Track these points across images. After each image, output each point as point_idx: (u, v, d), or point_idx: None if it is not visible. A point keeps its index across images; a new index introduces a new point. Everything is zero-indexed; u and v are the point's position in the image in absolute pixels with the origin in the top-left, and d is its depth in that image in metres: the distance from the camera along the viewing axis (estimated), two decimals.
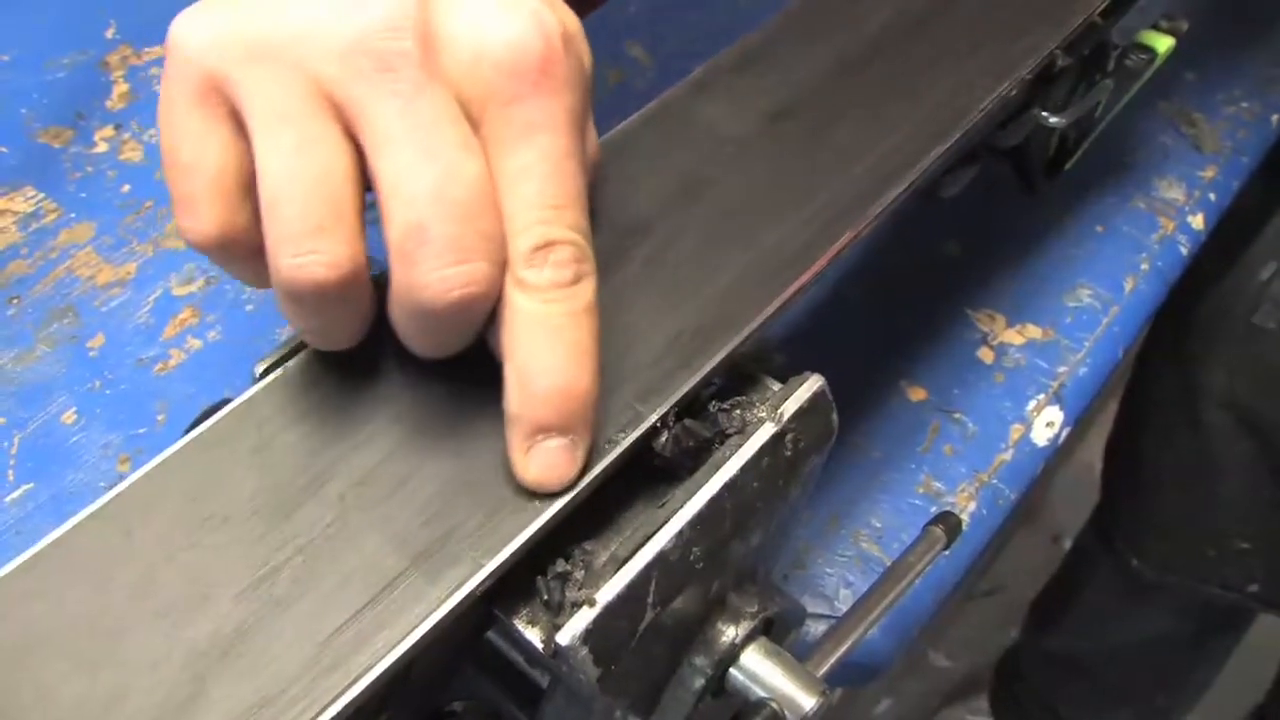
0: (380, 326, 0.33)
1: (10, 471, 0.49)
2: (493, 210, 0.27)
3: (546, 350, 0.28)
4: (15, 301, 0.55)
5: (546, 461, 0.28)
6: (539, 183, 0.28)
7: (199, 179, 0.28)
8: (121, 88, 0.64)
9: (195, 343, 0.54)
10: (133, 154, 0.61)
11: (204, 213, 0.28)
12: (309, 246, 0.26)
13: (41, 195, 0.59)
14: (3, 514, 0.48)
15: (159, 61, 0.66)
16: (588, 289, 0.29)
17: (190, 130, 0.28)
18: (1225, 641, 1.13)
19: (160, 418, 0.51)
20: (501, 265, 0.28)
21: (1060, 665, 1.22)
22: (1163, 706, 1.20)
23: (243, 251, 0.29)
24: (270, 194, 0.27)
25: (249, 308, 0.55)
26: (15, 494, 0.49)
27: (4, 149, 0.61)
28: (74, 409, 0.51)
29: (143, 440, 0.50)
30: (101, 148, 0.62)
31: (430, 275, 0.26)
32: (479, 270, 0.27)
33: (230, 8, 0.28)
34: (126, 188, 0.60)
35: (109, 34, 0.67)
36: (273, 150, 0.27)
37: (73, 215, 0.58)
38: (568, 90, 0.28)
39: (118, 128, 0.62)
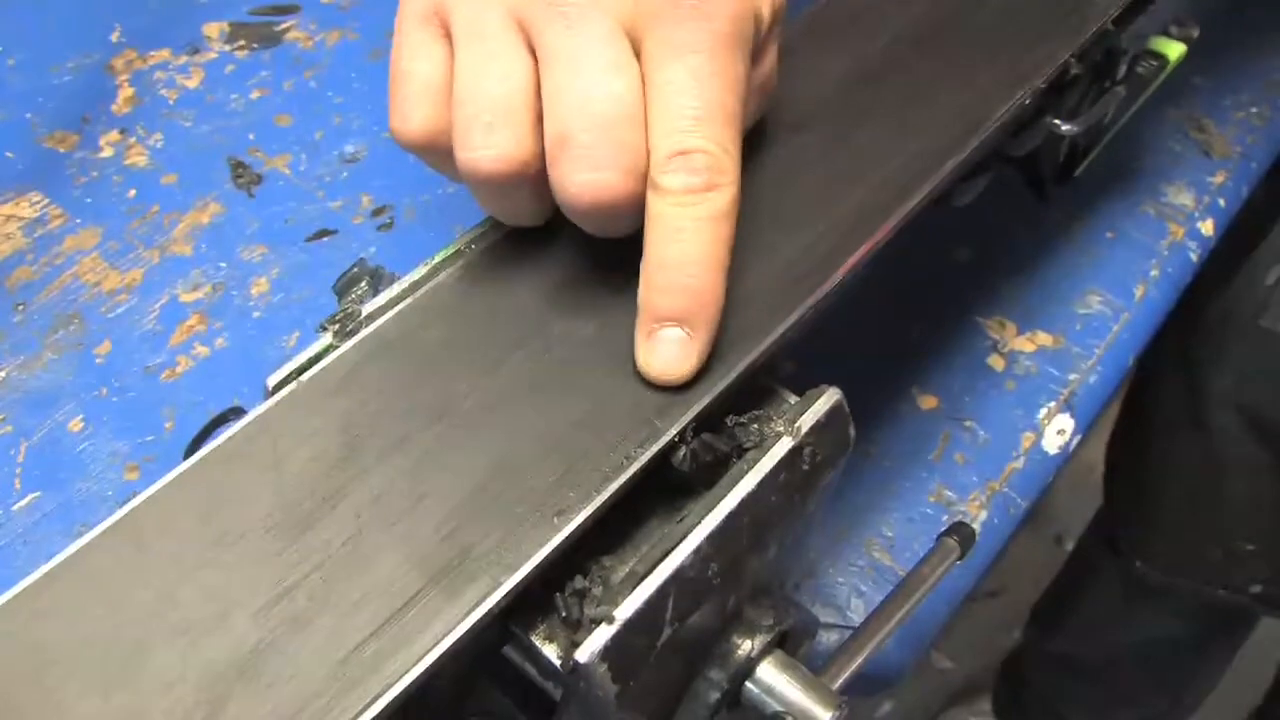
0: (388, 340, 0.33)
1: (17, 480, 0.49)
2: (635, 126, 0.30)
3: (673, 248, 0.30)
4: (21, 308, 0.55)
5: (665, 352, 0.31)
6: (683, 96, 0.30)
7: (413, 84, 0.32)
8: (127, 92, 0.64)
9: (203, 350, 0.54)
10: (138, 159, 0.61)
11: (413, 114, 0.32)
12: (480, 141, 0.31)
13: (47, 200, 0.59)
14: (10, 523, 0.48)
15: (164, 65, 0.65)
16: (722, 197, 0.31)
17: (411, 44, 0.33)
18: (1227, 644, 1.13)
19: (168, 425, 0.51)
20: (640, 176, 0.30)
21: (1063, 667, 1.22)
22: (1165, 709, 1.20)
23: (445, 151, 0.32)
24: (457, 95, 0.31)
25: (257, 314, 0.55)
26: (23, 502, 0.48)
27: (9, 154, 0.61)
28: (81, 417, 0.51)
29: (151, 448, 0.50)
30: (107, 152, 0.61)
31: (568, 178, 0.30)
32: (610, 178, 0.30)
33: None
34: (133, 193, 0.60)
35: (114, 38, 0.66)
36: (464, 60, 0.31)
37: (78, 221, 0.58)
38: (723, 17, 0.31)
39: (123, 132, 0.62)
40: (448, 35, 0.32)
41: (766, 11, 0.34)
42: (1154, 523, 0.95)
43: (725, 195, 0.31)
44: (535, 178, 0.31)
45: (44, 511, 0.48)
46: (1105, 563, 1.05)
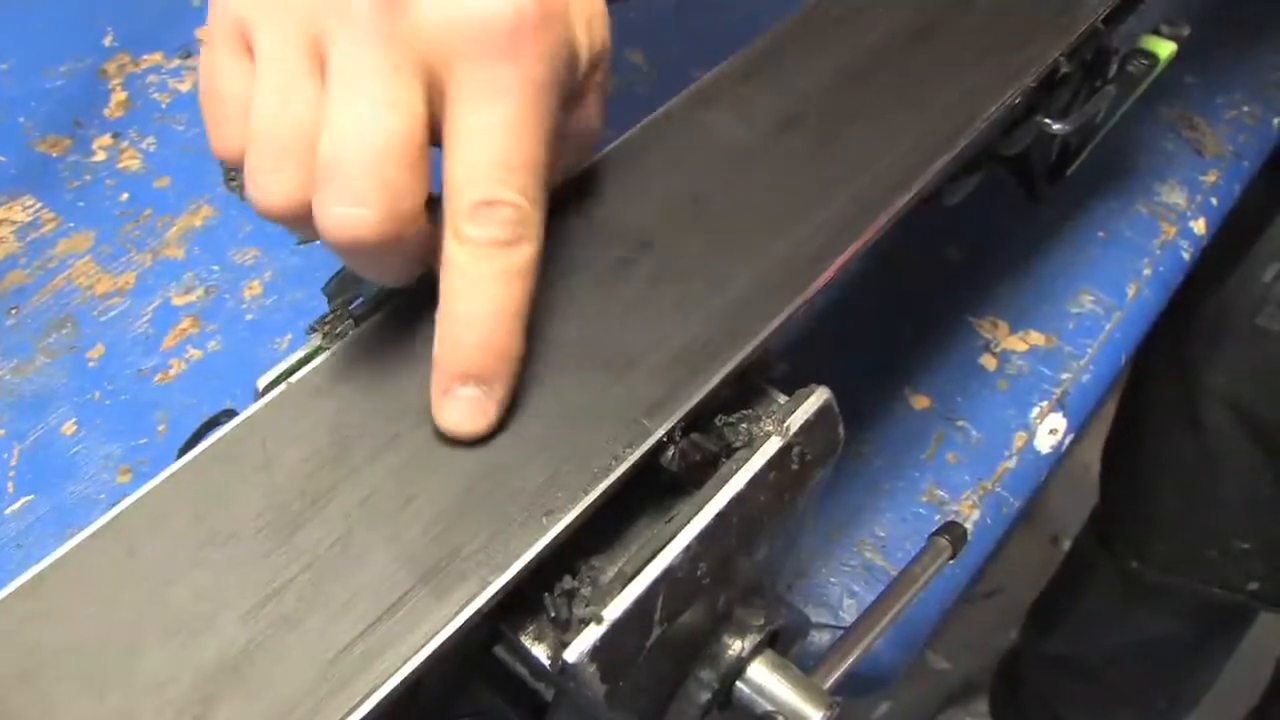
0: (378, 341, 0.33)
1: (10, 483, 0.49)
2: (405, 167, 0.28)
3: (472, 303, 0.29)
4: (14, 312, 0.55)
5: (460, 409, 0.30)
6: (489, 145, 0.29)
7: (224, 105, 0.31)
8: (119, 96, 0.64)
9: (195, 353, 0.54)
10: (131, 162, 0.61)
11: (230, 134, 0.31)
12: (261, 181, 0.30)
13: (40, 204, 0.59)
14: (3, 526, 0.48)
15: (157, 69, 0.66)
16: (525, 253, 0.30)
17: (219, 63, 0.31)
18: (1224, 643, 1.13)
19: (161, 428, 0.51)
20: (402, 220, 0.28)
21: (1060, 668, 1.22)
22: (1163, 708, 1.20)
23: None
24: (250, 131, 0.30)
25: (249, 317, 0.55)
26: (15, 506, 0.48)
27: (2, 158, 0.61)
28: (74, 420, 0.51)
29: (143, 451, 0.50)
30: (100, 156, 0.61)
31: (325, 209, 0.28)
32: (369, 216, 0.28)
33: None
34: (125, 196, 0.60)
35: (107, 42, 0.66)
36: (260, 93, 0.30)
37: (71, 225, 0.58)
38: (535, 60, 0.29)
39: (116, 136, 0.62)
40: (252, 54, 0.31)
41: (585, 54, 0.32)
42: (1149, 522, 0.95)
43: (529, 249, 0.30)
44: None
45: (37, 515, 0.48)
46: (1101, 562, 1.05)
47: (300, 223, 0.30)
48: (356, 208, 0.28)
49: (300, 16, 0.29)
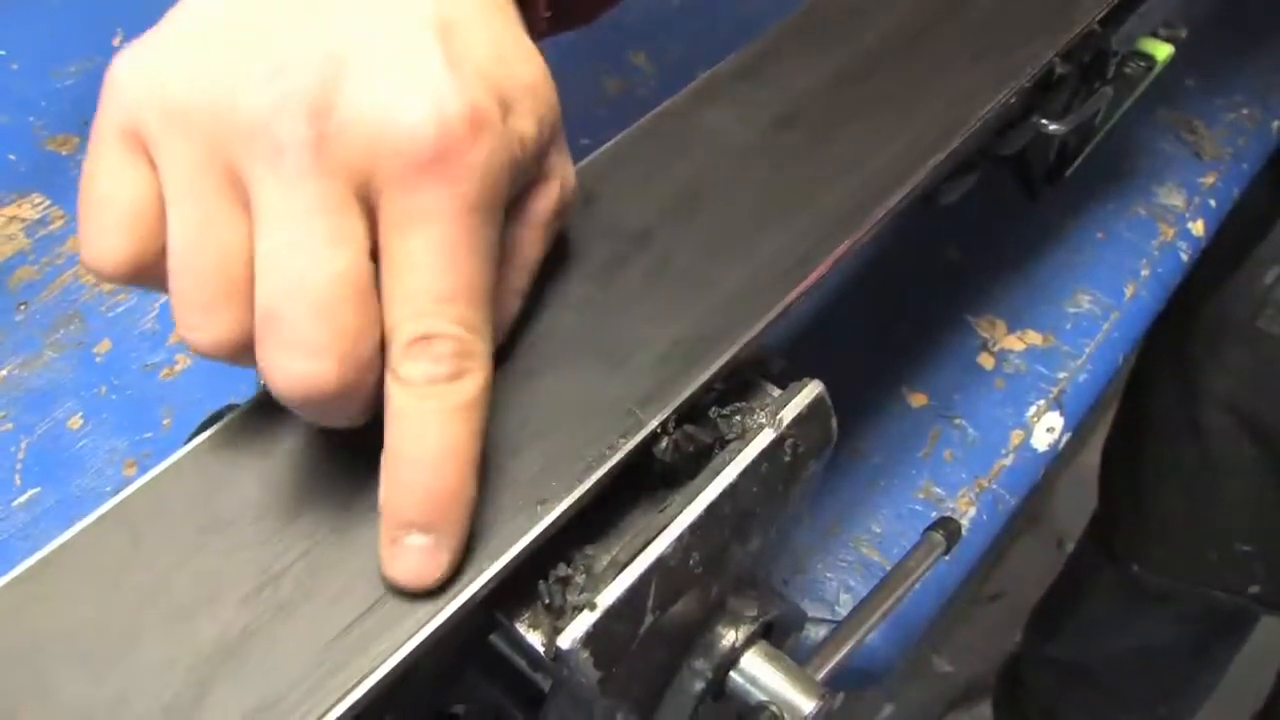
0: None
1: (17, 476, 0.50)
2: (357, 307, 0.26)
3: (416, 445, 0.27)
4: (23, 308, 0.55)
5: (408, 560, 0.27)
6: (423, 274, 0.27)
7: (112, 213, 0.28)
8: None
9: None
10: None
11: (115, 245, 0.28)
12: (195, 322, 0.28)
13: (49, 202, 0.60)
14: (10, 519, 0.48)
15: None
16: (469, 386, 0.28)
17: (110, 167, 0.28)
18: (1226, 647, 1.13)
19: (166, 423, 0.52)
20: (361, 364, 0.27)
21: (1062, 672, 1.22)
22: (1164, 713, 1.20)
23: (154, 283, 0.29)
24: (171, 264, 0.28)
25: None
26: (22, 498, 0.49)
27: (12, 156, 0.61)
28: (80, 414, 0.52)
29: (149, 445, 0.51)
30: None
31: (278, 367, 0.26)
32: (326, 369, 0.26)
33: (164, 56, 0.28)
34: None
35: (116, 42, 0.67)
36: (176, 221, 0.27)
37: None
38: (467, 179, 0.27)
39: None
40: (150, 160, 0.28)
41: (533, 136, 0.30)
42: (1150, 525, 0.95)
43: (473, 383, 0.28)
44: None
45: (44, 507, 0.49)
46: (1102, 566, 1.05)
47: (240, 362, 0.28)
48: (312, 361, 0.26)
49: (211, 142, 0.27)
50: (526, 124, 0.30)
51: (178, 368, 0.54)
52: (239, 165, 0.27)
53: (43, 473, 0.50)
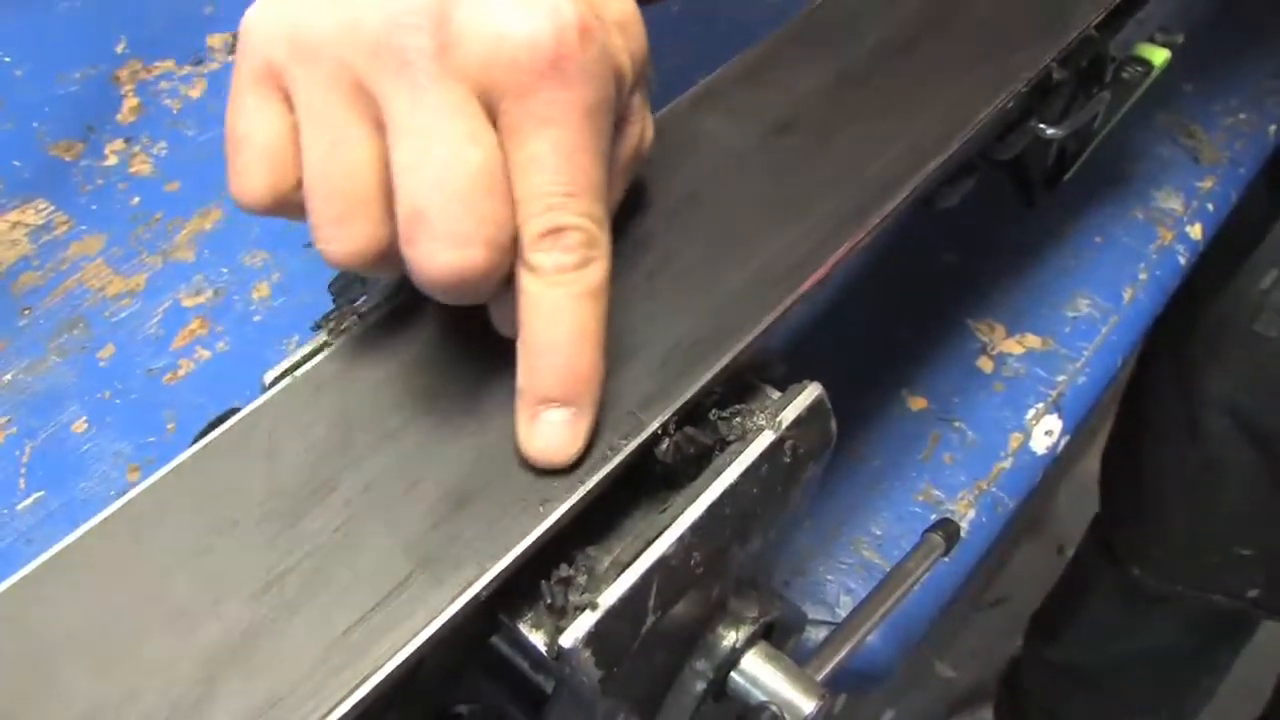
0: (381, 337, 0.34)
1: (22, 480, 0.50)
2: (496, 197, 0.28)
3: (551, 328, 0.30)
4: (27, 312, 0.56)
5: (548, 434, 0.30)
6: (549, 172, 0.29)
7: (250, 150, 0.30)
8: (132, 101, 0.65)
9: (204, 353, 0.55)
10: (142, 167, 0.62)
11: (255, 181, 0.30)
12: (330, 234, 0.29)
13: (53, 207, 0.60)
14: (14, 522, 0.49)
15: (168, 75, 0.67)
16: (595, 273, 0.30)
17: (248, 107, 0.30)
18: (1227, 651, 1.13)
19: (170, 427, 0.52)
20: (503, 249, 0.29)
21: (1063, 676, 1.22)
22: (1165, 717, 1.20)
23: (293, 213, 0.31)
24: (307, 185, 0.30)
25: (257, 318, 0.56)
26: (27, 502, 0.49)
27: (16, 162, 0.62)
28: (84, 418, 0.52)
29: (152, 449, 0.51)
30: (112, 160, 0.62)
31: (429, 259, 0.28)
32: (476, 255, 0.28)
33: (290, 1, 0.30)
34: (136, 200, 0.61)
35: (119, 49, 0.68)
36: (310, 145, 0.30)
37: (83, 227, 0.59)
38: (582, 84, 0.29)
39: (128, 141, 0.63)
40: (285, 97, 0.30)
41: (628, 67, 0.32)
42: (1150, 529, 0.96)
43: (599, 270, 0.30)
44: (397, 258, 0.29)
45: (48, 511, 0.49)
46: (1102, 570, 1.06)
47: (375, 269, 0.30)
48: (462, 249, 0.28)
49: (338, 64, 0.29)
50: (620, 55, 0.31)
51: (181, 372, 0.54)
52: (369, 82, 0.29)
53: (47, 476, 0.50)
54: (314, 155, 0.29)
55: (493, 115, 0.29)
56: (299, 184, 0.30)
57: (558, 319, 0.30)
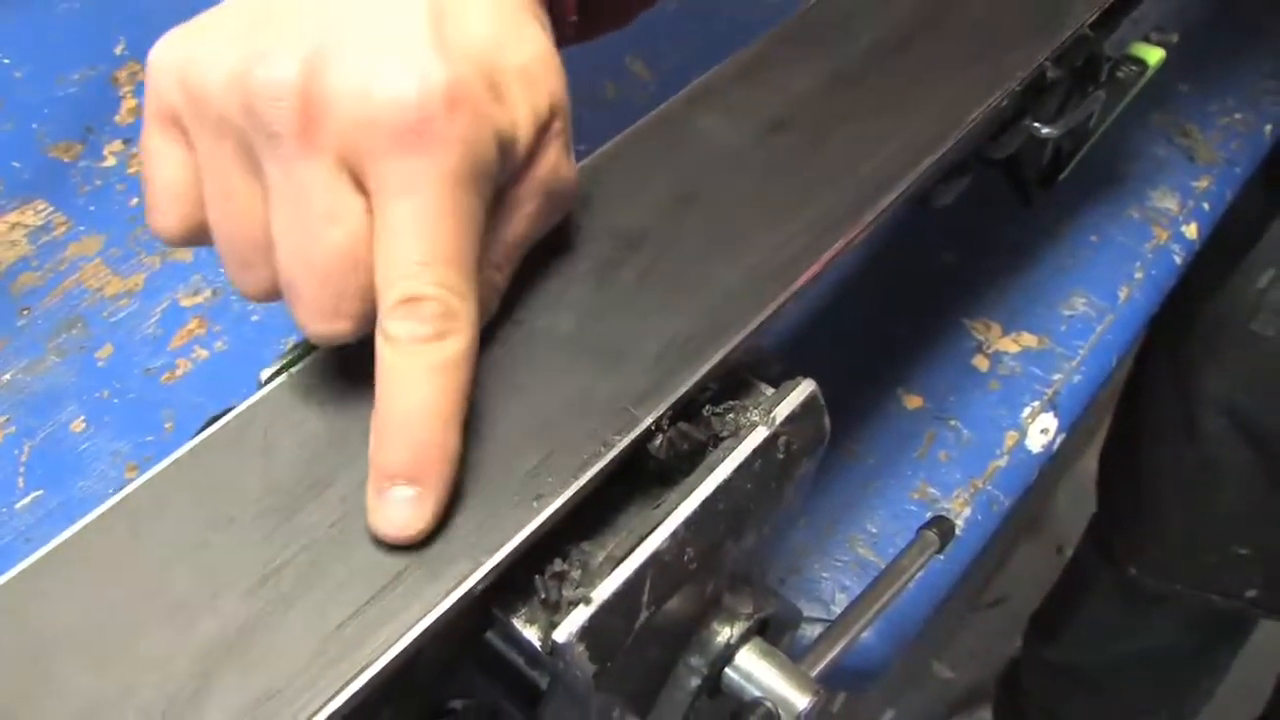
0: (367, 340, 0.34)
1: (20, 479, 0.50)
2: (359, 272, 0.29)
3: (402, 400, 0.29)
4: (26, 312, 0.56)
5: (393, 512, 0.29)
6: (408, 240, 0.29)
7: (158, 190, 0.32)
8: (130, 103, 0.65)
9: (202, 352, 0.55)
10: (141, 168, 0.62)
11: (165, 217, 0.32)
12: (235, 276, 0.32)
13: (51, 208, 0.60)
14: (13, 520, 0.49)
15: None
16: (451, 346, 0.29)
17: (153, 148, 0.32)
18: (1226, 651, 1.13)
19: (168, 426, 0.52)
20: (369, 317, 0.30)
21: (1062, 677, 1.22)
22: (1165, 717, 1.20)
23: (209, 243, 0.32)
24: (211, 226, 0.32)
25: (255, 318, 0.56)
26: (25, 500, 0.49)
27: (16, 163, 0.62)
28: (83, 417, 0.52)
29: (150, 448, 0.51)
30: (110, 162, 0.63)
31: (302, 323, 0.30)
32: (339, 326, 0.30)
33: (188, 43, 0.31)
34: (135, 201, 0.61)
35: (118, 50, 0.68)
36: (208, 193, 0.31)
37: (82, 228, 0.60)
38: (445, 151, 0.29)
39: (126, 142, 0.64)
40: (186, 137, 0.31)
41: (523, 124, 0.31)
42: (1148, 528, 0.96)
43: (456, 343, 0.29)
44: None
45: (46, 509, 0.49)
46: (1101, 570, 1.06)
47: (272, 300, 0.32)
48: (328, 322, 0.30)
49: (222, 118, 0.30)
50: (517, 108, 0.31)
51: (179, 372, 0.54)
52: (249, 140, 0.29)
53: (45, 475, 0.50)
54: (211, 202, 0.31)
55: (361, 176, 0.29)
56: (205, 220, 0.32)
57: (409, 391, 0.29)
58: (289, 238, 0.29)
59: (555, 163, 0.33)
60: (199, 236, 0.32)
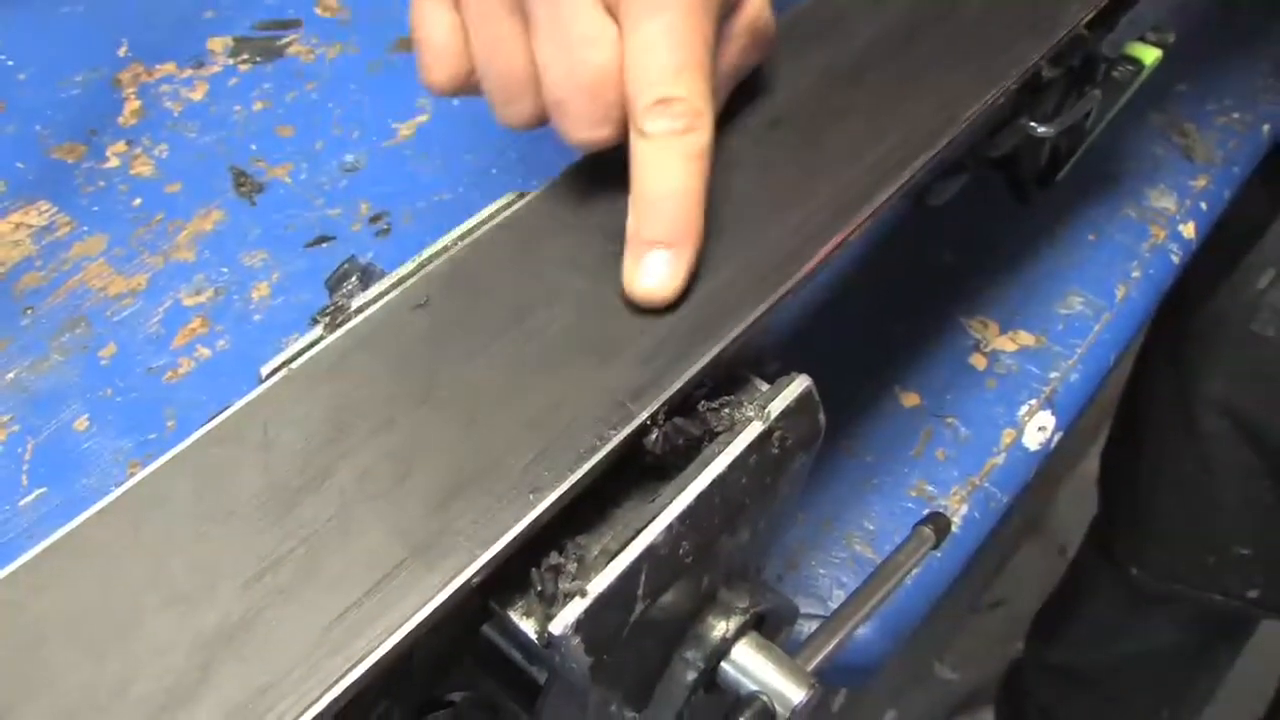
0: (376, 331, 0.34)
1: (24, 476, 0.50)
2: (616, 88, 0.35)
3: (659, 181, 0.34)
4: (29, 312, 0.56)
5: (653, 269, 0.34)
6: (660, 53, 0.34)
7: (429, 49, 0.38)
8: (133, 104, 0.66)
9: (204, 351, 0.55)
10: (143, 168, 0.63)
11: (434, 72, 0.38)
12: (502, 111, 0.38)
13: (55, 209, 0.61)
14: (17, 518, 0.49)
15: (169, 79, 0.67)
16: (700, 138, 0.35)
17: (424, 12, 0.38)
18: (1227, 652, 1.13)
19: (170, 424, 0.52)
20: (624, 123, 0.35)
21: (1063, 678, 1.22)
22: (1166, 717, 1.20)
23: (473, 92, 0.38)
24: (478, 73, 0.38)
25: (257, 317, 0.57)
26: (29, 498, 0.50)
27: (20, 164, 0.62)
28: (86, 416, 0.53)
29: (153, 446, 0.52)
30: (113, 163, 0.63)
31: (570, 136, 0.36)
32: (604, 133, 0.36)
33: None
34: (138, 201, 0.61)
35: (121, 52, 0.68)
36: (475, 43, 0.37)
37: (85, 228, 0.60)
38: None
39: (129, 143, 0.64)
40: (454, 2, 0.37)
41: None
42: (1148, 529, 0.96)
43: (703, 136, 0.35)
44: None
45: (50, 507, 0.50)
46: (1102, 570, 1.06)
47: (543, 125, 0.37)
48: (595, 130, 0.35)
49: None
50: None
51: (181, 371, 0.55)
52: None
53: (49, 473, 0.51)
54: (479, 51, 0.37)
55: (613, 5, 0.34)
56: (473, 70, 0.37)
57: (665, 175, 0.34)
58: (558, 63, 0.35)
59: (761, 5, 0.38)
60: (464, 88, 0.38)
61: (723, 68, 0.38)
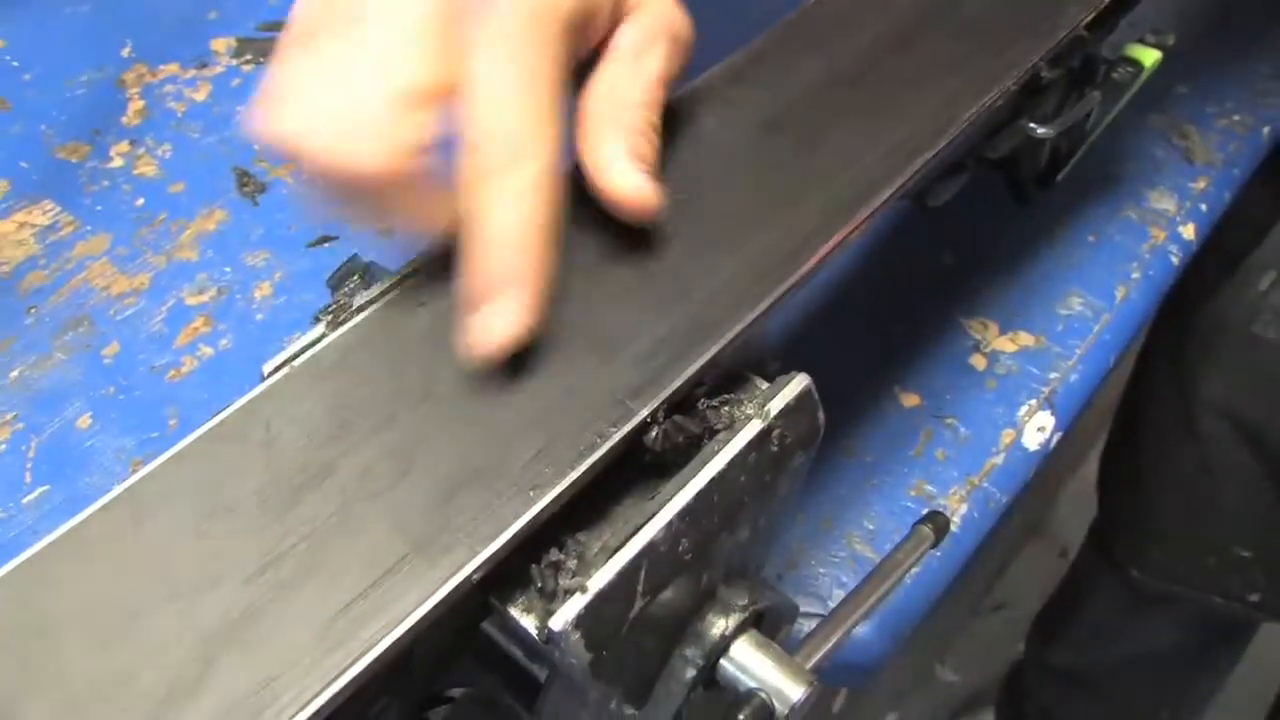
0: (378, 329, 0.34)
1: (27, 474, 0.51)
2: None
3: (481, 227, 0.33)
4: (33, 311, 0.57)
5: (486, 324, 0.32)
6: (480, 89, 0.33)
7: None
8: (137, 104, 0.66)
9: (207, 350, 0.55)
10: (147, 168, 0.63)
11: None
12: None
13: (59, 208, 0.61)
14: (20, 515, 0.49)
15: (173, 79, 0.68)
16: (524, 175, 0.33)
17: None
18: (1228, 654, 1.13)
19: (172, 423, 0.53)
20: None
21: (1064, 680, 1.22)
22: (1167, 719, 1.20)
23: None
24: None
25: (260, 317, 0.57)
26: (32, 496, 0.50)
27: (24, 164, 0.63)
28: (89, 414, 0.53)
29: (155, 444, 0.52)
30: (117, 163, 0.63)
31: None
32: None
33: None
34: (141, 201, 0.62)
35: (125, 53, 0.69)
36: None
37: (89, 228, 0.60)
38: (509, 14, 0.33)
39: (133, 143, 0.64)
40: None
41: None
42: (1149, 531, 0.96)
43: (527, 173, 0.33)
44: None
45: (52, 504, 0.50)
46: (1102, 572, 1.06)
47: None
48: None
49: None
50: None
51: (184, 369, 0.55)
52: None
53: (52, 471, 0.51)
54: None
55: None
56: None
57: (488, 218, 0.32)
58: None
59: (664, 7, 0.38)
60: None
61: (648, 75, 0.36)
